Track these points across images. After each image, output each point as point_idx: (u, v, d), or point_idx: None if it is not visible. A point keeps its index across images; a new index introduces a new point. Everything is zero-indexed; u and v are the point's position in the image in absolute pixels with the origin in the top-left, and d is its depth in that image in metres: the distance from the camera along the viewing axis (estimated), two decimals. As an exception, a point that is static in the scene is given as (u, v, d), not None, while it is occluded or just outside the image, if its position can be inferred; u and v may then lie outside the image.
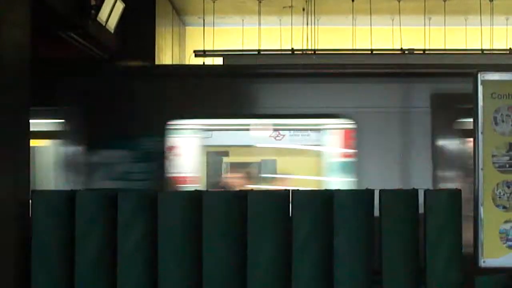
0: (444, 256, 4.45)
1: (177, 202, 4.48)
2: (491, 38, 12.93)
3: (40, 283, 4.44)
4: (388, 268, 4.46)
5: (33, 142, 5.83)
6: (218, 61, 12.57)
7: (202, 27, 13.08)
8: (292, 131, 9.66)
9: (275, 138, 9.63)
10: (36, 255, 4.44)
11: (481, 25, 12.76)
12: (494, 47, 12.83)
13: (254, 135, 9.22)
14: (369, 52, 12.09)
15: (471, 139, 4.86)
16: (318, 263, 4.45)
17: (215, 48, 12.89)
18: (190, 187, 8.26)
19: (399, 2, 12.65)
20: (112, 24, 9.29)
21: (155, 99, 7.43)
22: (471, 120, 4.82)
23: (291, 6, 12.95)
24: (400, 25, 12.96)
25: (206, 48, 12.65)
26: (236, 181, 9.62)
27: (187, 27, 14.81)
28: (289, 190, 4.49)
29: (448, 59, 11.37)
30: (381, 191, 4.51)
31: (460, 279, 4.46)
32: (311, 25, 12.83)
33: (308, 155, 9.79)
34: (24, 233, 4.51)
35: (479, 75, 4.78)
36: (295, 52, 12.44)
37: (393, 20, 13.25)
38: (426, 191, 4.50)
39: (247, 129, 8.81)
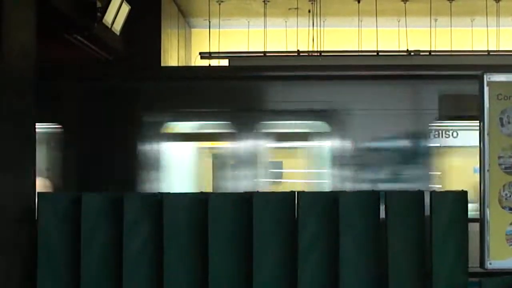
0: (450, 258, 4.43)
1: (182, 204, 4.47)
2: (498, 39, 12.88)
3: (46, 284, 4.44)
4: (394, 270, 4.45)
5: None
6: (224, 63, 12.57)
7: (208, 29, 13.07)
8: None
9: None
10: (42, 257, 4.45)
11: (487, 26, 12.71)
12: (501, 48, 12.78)
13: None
14: (375, 53, 12.05)
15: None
16: (323, 264, 4.43)
17: (220, 50, 12.89)
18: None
19: (405, 3, 12.62)
20: (117, 26, 9.28)
21: None
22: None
23: (297, 8, 12.92)
24: (406, 27, 12.91)
25: (211, 50, 12.64)
26: None
27: (192, 29, 14.79)
28: (294, 192, 4.48)
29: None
30: (386, 192, 4.49)
31: (466, 281, 4.44)
32: (317, 26, 12.78)
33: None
34: (31, 235, 4.52)
35: (485, 76, 4.75)
36: (301, 54, 12.41)
37: (399, 21, 13.21)
38: (432, 193, 4.48)
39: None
